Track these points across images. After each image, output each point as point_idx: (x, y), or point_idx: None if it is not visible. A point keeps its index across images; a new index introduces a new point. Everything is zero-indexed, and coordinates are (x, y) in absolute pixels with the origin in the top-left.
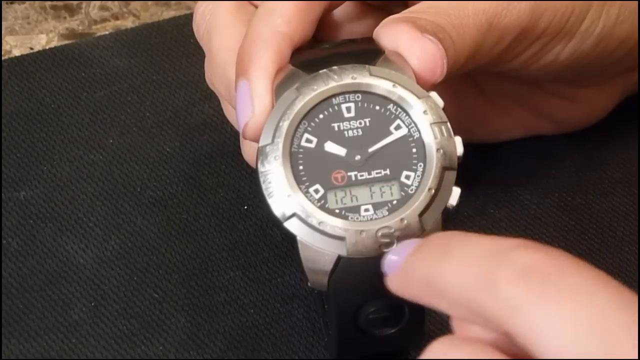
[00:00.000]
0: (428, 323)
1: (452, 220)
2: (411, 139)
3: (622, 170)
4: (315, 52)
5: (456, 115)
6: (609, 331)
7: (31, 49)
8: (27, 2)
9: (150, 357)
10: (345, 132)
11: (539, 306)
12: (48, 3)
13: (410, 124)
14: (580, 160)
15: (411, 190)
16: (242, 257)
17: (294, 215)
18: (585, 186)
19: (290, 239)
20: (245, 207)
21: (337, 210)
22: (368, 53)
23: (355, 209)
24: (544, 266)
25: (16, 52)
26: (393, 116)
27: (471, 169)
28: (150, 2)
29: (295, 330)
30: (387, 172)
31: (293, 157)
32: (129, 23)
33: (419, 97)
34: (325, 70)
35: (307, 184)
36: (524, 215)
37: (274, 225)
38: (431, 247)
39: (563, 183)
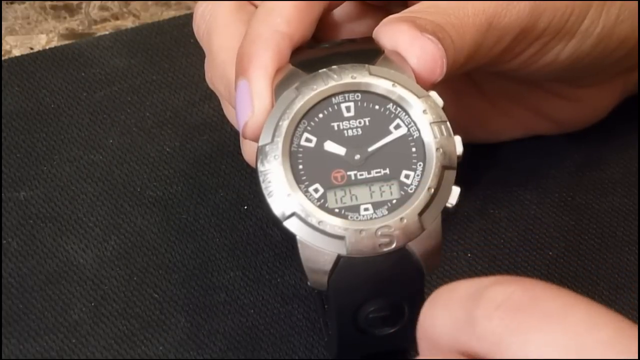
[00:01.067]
0: None
1: (452, 220)
2: (411, 138)
3: (622, 170)
4: (314, 51)
5: (456, 115)
6: (584, 350)
7: (31, 49)
8: (27, 2)
9: (150, 357)
10: (345, 132)
11: (517, 338)
12: (48, 3)
13: (410, 123)
14: (580, 160)
15: (411, 189)
16: (242, 257)
17: (293, 214)
18: (585, 186)
19: (290, 239)
20: (245, 207)
21: (336, 210)
22: (368, 52)
23: (355, 208)
24: (517, 297)
25: (16, 52)
26: (392, 115)
27: (471, 169)
28: (150, 2)
29: (295, 330)
30: (387, 171)
31: (293, 156)
32: (129, 23)
33: (418, 97)
34: (324, 69)
35: (306, 183)
36: (524, 215)
37: (274, 224)
38: (425, 303)
39: (563, 183)
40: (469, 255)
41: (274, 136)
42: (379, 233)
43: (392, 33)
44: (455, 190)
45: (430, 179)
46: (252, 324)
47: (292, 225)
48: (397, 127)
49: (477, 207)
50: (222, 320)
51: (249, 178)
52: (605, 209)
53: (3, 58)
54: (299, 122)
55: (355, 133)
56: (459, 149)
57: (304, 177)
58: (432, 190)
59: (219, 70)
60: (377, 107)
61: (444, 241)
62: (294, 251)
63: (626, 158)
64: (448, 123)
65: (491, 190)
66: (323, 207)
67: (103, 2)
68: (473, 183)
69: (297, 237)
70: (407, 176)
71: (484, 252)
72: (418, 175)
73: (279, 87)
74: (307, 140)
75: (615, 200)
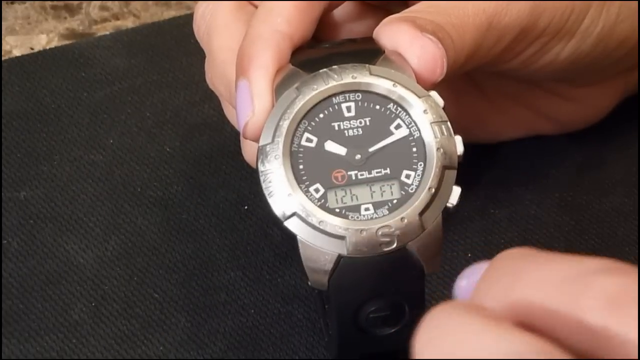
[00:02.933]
0: None
1: (452, 220)
2: (411, 138)
3: (622, 170)
4: (315, 51)
5: (456, 115)
6: None
7: (31, 49)
8: (27, 2)
9: (150, 357)
10: (346, 132)
11: (634, 336)
12: (48, 3)
13: (411, 123)
14: (580, 160)
15: (411, 189)
16: (242, 257)
17: (294, 214)
18: (585, 186)
19: (290, 239)
20: (246, 207)
21: (337, 210)
22: (368, 52)
23: (356, 208)
24: (632, 292)
25: (16, 52)
26: (393, 115)
27: (471, 169)
28: (150, 2)
29: (296, 330)
30: (387, 171)
31: (293, 156)
32: (129, 23)
33: (419, 96)
34: (325, 69)
35: (307, 183)
36: (524, 215)
37: (275, 224)
38: (501, 272)
39: (563, 183)
40: (469, 255)
41: (274, 136)
42: (380, 233)
43: (393, 33)
44: (456, 190)
45: (431, 179)
46: (253, 324)
47: (292, 225)
48: (398, 127)
49: (477, 207)
50: (222, 320)
51: (249, 178)
52: (605, 209)
53: (3, 58)
54: (300, 122)
55: (356, 133)
56: (460, 148)
57: (305, 177)
58: (433, 190)
59: (219, 70)
60: (377, 107)
61: (445, 241)
62: (295, 251)
63: (626, 158)
64: (449, 123)
65: (491, 190)
66: (324, 207)
67: (103, 2)
68: (473, 183)
69: (298, 237)
70: (407, 176)
71: (484, 252)
72: (419, 175)
73: (280, 87)
74: (308, 140)
75: (615, 200)
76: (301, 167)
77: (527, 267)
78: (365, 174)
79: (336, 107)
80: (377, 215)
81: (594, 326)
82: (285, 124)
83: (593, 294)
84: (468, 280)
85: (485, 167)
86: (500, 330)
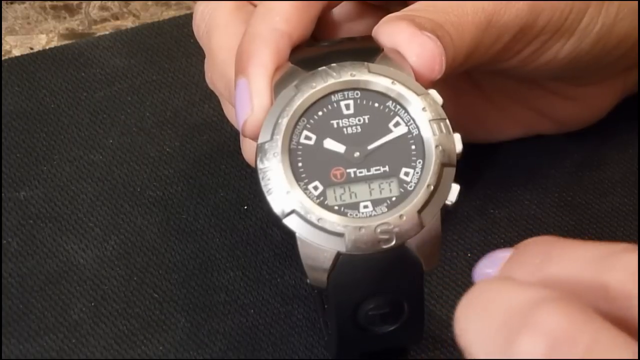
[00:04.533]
0: (427, 321)
1: (451, 220)
2: (410, 135)
3: (622, 170)
4: (314, 50)
5: (455, 114)
6: None
7: (31, 49)
8: (27, 2)
9: (150, 357)
10: (344, 129)
11: None
12: (48, 3)
13: (409, 120)
14: (580, 160)
15: (410, 186)
16: (242, 257)
17: (293, 212)
18: (585, 186)
19: (289, 236)
20: (245, 207)
21: (336, 207)
22: (367, 51)
23: (354, 206)
24: None
25: (16, 52)
26: (392, 113)
27: (471, 168)
28: (150, 2)
29: (295, 330)
30: (386, 168)
31: (292, 154)
32: (129, 23)
33: (417, 94)
34: (324, 67)
35: (306, 180)
36: (524, 215)
37: (274, 222)
38: (529, 255)
39: (563, 183)
40: (469, 255)
41: (273, 134)
42: (379, 230)
43: (391, 31)
44: (455, 188)
45: (430, 177)
46: (252, 324)
47: (291, 222)
48: (397, 124)
49: (476, 207)
50: (222, 320)
51: (249, 178)
52: (605, 209)
53: (3, 58)
54: (299, 120)
55: (355, 131)
56: (459, 146)
57: (304, 175)
58: (432, 187)
59: (218, 69)
60: (376, 104)
61: (444, 240)
62: (294, 249)
63: (626, 158)
64: (447, 120)
65: (491, 190)
66: (322, 204)
67: (103, 2)
68: (473, 183)
69: (297, 235)
70: (406, 173)
71: (484, 252)
72: (417, 173)
73: (278, 85)
74: (307, 137)
75: (615, 200)
76: (300, 164)
77: (555, 250)
78: (364, 172)
79: (335, 105)
80: (375, 213)
81: (620, 296)
82: (284, 122)
83: (620, 268)
84: (493, 270)
85: (485, 167)
86: (526, 286)
